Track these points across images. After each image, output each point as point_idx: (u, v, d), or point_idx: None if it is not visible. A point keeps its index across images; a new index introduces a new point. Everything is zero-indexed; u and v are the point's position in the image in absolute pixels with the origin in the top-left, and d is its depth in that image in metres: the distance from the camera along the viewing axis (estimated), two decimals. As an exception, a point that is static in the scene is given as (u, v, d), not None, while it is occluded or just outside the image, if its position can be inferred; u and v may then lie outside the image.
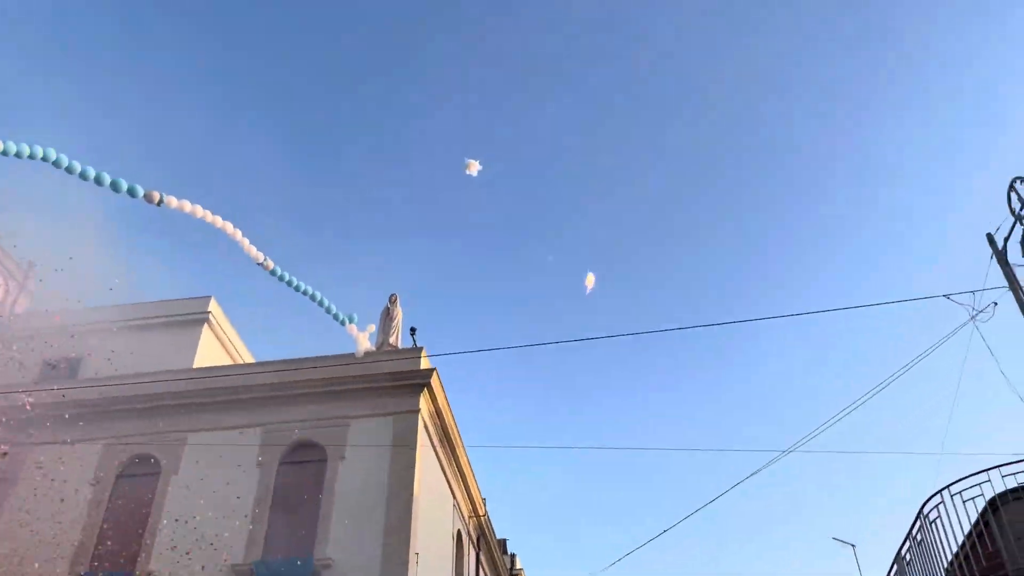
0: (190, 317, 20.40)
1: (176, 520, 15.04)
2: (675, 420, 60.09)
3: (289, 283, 16.67)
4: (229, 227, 14.81)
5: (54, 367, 19.10)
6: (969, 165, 54.93)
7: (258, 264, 15.93)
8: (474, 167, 14.95)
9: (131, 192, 13.74)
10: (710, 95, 57.35)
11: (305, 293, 17.07)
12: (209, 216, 14.48)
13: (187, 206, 14.16)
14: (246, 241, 14.96)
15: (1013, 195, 10.96)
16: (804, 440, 12.63)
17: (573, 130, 58.39)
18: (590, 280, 15.58)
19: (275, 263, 16.49)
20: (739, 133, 56.93)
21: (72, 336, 17.73)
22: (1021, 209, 10.83)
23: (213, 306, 20.66)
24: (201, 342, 20.02)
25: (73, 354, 18.98)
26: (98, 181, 13.41)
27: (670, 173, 58.18)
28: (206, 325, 20.40)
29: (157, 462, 16.39)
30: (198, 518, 14.75)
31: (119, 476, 16.45)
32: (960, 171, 55.49)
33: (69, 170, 12.91)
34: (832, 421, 12.68)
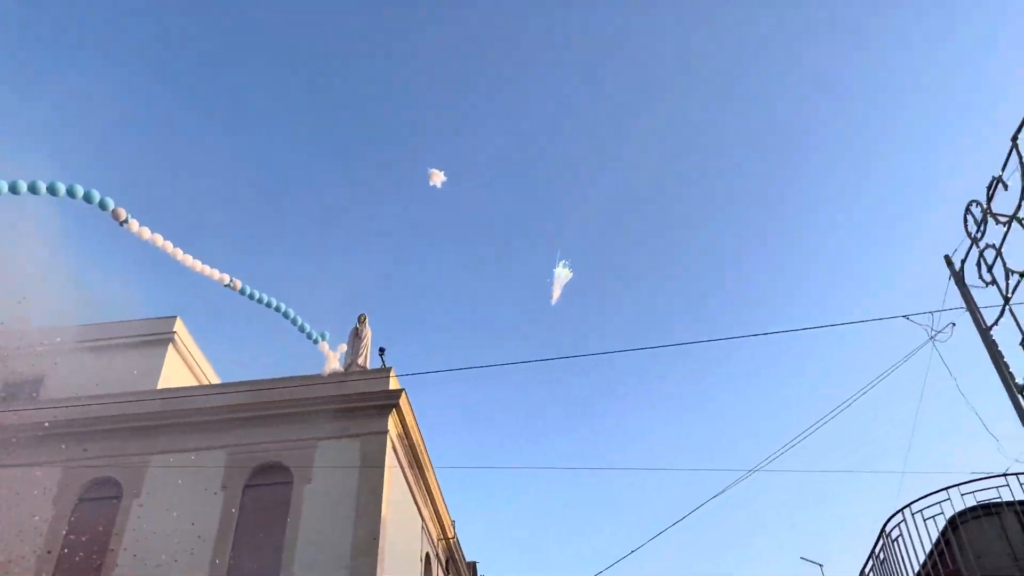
0: (155, 337, 20.13)
1: (138, 543, 14.75)
2: (648, 438, 60.26)
3: (260, 300, 16.60)
4: (189, 259, 14.80)
5: (15, 388, 18.74)
6: (929, 187, 56.10)
7: (224, 285, 15.88)
8: (438, 177, 14.91)
9: (102, 205, 13.65)
10: (663, 124, 58.12)
11: (277, 310, 17.00)
12: (170, 247, 14.45)
13: (146, 233, 14.12)
14: (207, 268, 14.93)
15: (969, 218, 11.22)
16: (769, 459, 12.74)
17: (548, 141, 58.74)
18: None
19: (243, 282, 16.44)
20: (706, 156, 57.69)
21: (34, 356, 17.43)
22: (977, 232, 11.08)
23: (179, 326, 20.42)
24: (166, 363, 19.76)
25: (34, 375, 18.64)
26: (71, 194, 13.31)
27: (642, 191, 58.74)
28: (171, 345, 20.14)
29: (119, 485, 16.09)
30: (161, 542, 14.50)
31: (80, 499, 16.13)
32: (921, 192, 56.64)
33: (33, 190, 12.81)
34: (797, 440, 12.81)
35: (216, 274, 15.48)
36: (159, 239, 14.38)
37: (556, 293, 14.81)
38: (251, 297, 16.71)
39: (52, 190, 13.00)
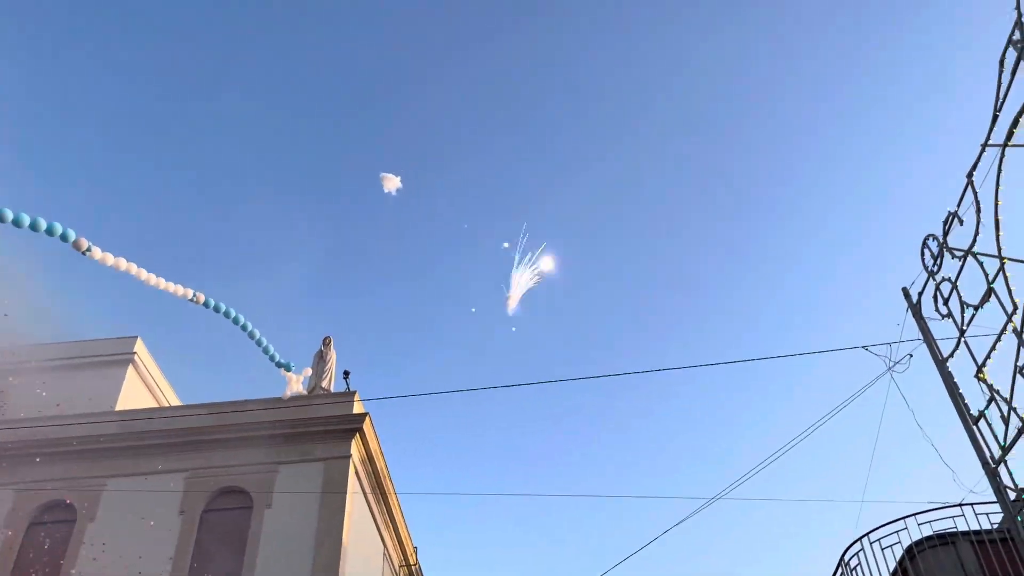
0: (114, 358, 19.79)
1: (92, 569, 14.42)
2: (612, 463, 60.24)
3: (226, 314, 16.47)
4: (152, 278, 14.77)
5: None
6: (887, 219, 57.30)
7: (188, 300, 15.76)
8: (392, 182, 14.78)
9: (63, 237, 13.64)
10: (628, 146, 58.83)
11: (243, 328, 16.86)
12: (134, 268, 14.43)
13: (109, 259, 14.14)
14: (171, 284, 14.90)
15: (926, 251, 11.51)
16: (730, 487, 12.84)
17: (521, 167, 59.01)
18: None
19: (206, 296, 16.33)
20: (665, 183, 58.40)
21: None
22: (933, 265, 11.36)
23: (139, 347, 20.09)
24: (125, 384, 19.41)
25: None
26: (33, 227, 13.29)
27: (605, 210, 59.22)
28: (131, 366, 19.81)
29: (73, 508, 15.73)
30: (116, 568, 14.18)
31: (32, 523, 15.73)
32: (879, 224, 57.82)
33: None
34: (758, 468, 12.94)
35: (180, 290, 15.41)
36: (122, 263, 14.40)
37: (513, 302, 14.68)
38: (216, 310, 16.59)
39: (16, 222, 12.98)
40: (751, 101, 55.08)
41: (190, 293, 15.67)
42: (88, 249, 13.85)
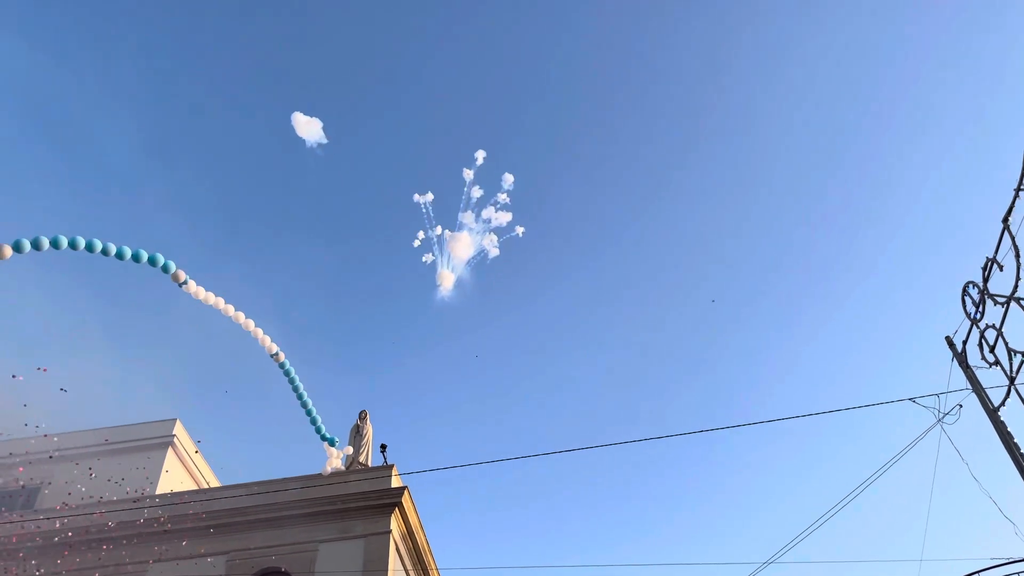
0: (154, 441, 19.92)
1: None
2: (659, 531, 58.73)
3: (291, 381, 16.40)
4: (242, 318, 14.86)
5: (12, 496, 18.41)
6: (925, 266, 56.50)
7: (271, 356, 15.75)
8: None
9: (164, 268, 13.85)
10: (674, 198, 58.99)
11: (300, 398, 16.76)
12: (231, 311, 14.59)
13: (201, 293, 14.28)
14: (260, 332, 14.99)
15: (967, 299, 11.29)
16: (783, 551, 12.43)
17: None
18: (446, 279, 15.38)
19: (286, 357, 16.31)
20: (707, 236, 58.31)
21: (30, 464, 17.19)
22: (976, 312, 11.13)
23: (179, 429, 20.22)
24: (165, 466, 19.49)
25: (33, 483, 18.34)
26: (135, 258, 13.51)
27: (630, 274, 59.12)
28: (171, 448, 19.91)
29: (116, 596, 15.62)
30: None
31: (75, 612, 15.62)
32: (916, 273, 56.99)
33: (104, 252, 12.97)
34: (810, 529, 12.52)
35: (267, 340, 15.44)
36: (221, 302, 14.58)
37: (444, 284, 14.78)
38: (287, 374, 16.51)
39: (120, 255, 13.22)
40: (793, 151, 55.21)
41: (275, 348, 15.69)
42: (184, 282, 14.02)
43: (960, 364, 11.62)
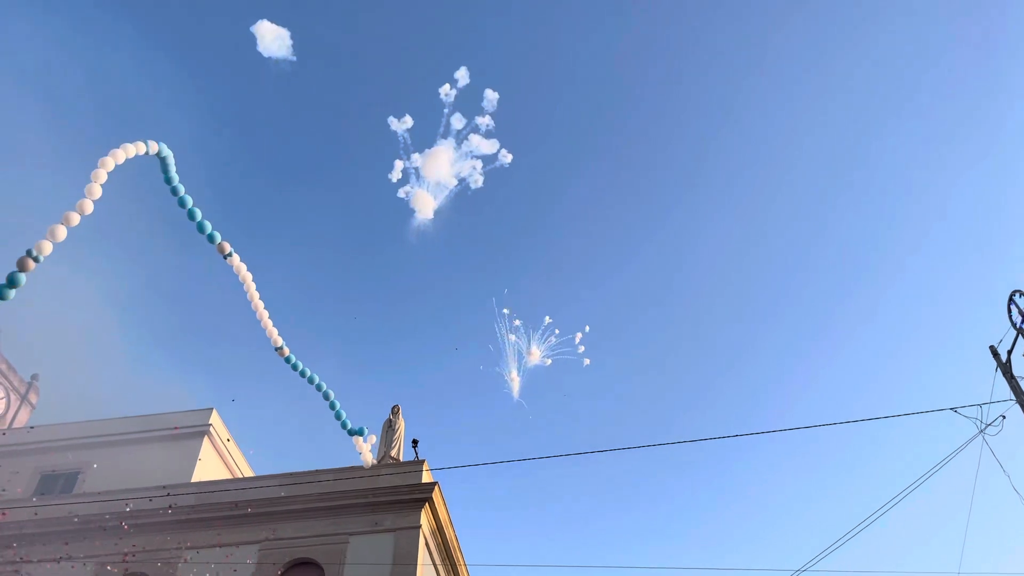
0: (191, 430, 20.21)
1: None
2: (689, 534, 58.30)
3: (302, 373, 16.40)
4: (261, 306, 14.96)
5: (52, 481, 18.81)
6: (970, 274, 55.36)
7: (275, 348, 15.79)
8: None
9: (211, 238, 13.93)
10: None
11: (319, 388, 16.79)
12: (253, 292, 14.70)
13: (243, 271, 14.35)
14: (270, 324, 15.03)
15: (1013, 308, 11.03)
16: (817, 559, 12.25)
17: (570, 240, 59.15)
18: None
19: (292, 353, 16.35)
20: (751, 253, 57.75)
21: (70, 450, 17.56)
22: (1022, 322, 10.87)
23: (215, 418, 20.49)
24: (201, 455, 19.76)
25: (72, 468, 18.72)
26: (191, 216, 13.58)
27: (661, 278, 58.70)
28: (206, 438, 20.18)
29: (151, 581, 15.87)
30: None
31: (111, 596, 15.92)
32: (961, 280, 55.84)
33: (174, 190, 13.06)
34: (846, 538, 12.35)
35: (275, 333, 15.47)
36: (252, 284, 14.70)
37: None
38: (295, 368, 16.46)
39: (181, 202, 13.28)
40: (833, 168, 54.44)
41: (280, 341, 15.67)
42: (229, 254, 14.09)
43: (1004, 374, 11.36)
